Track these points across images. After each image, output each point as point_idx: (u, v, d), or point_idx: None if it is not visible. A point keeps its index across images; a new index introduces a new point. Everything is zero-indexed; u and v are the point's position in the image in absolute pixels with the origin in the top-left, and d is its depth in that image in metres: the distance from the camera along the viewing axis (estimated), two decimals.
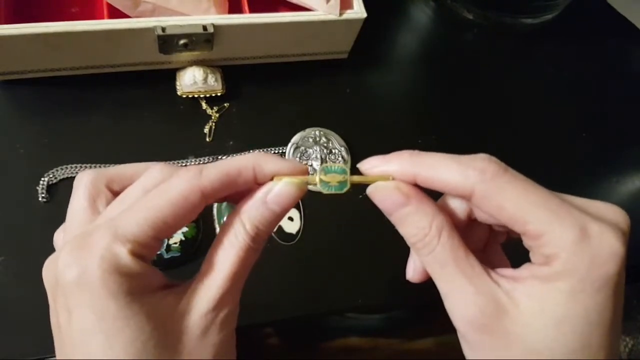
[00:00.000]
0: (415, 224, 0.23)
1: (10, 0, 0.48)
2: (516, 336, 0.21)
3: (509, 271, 0.23)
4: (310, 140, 0.51)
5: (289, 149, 0.51)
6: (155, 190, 0.22)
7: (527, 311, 0.21)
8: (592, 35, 0.67)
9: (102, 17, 0.48)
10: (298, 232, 0.48)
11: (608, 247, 0.21)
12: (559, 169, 0.57)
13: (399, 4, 0.64)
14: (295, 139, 0.51)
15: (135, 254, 0.21)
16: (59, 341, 0.23)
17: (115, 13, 0.47)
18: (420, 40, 0.63)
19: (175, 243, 0.43)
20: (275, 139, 0.51)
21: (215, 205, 0.46)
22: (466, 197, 0.23)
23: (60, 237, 0.26)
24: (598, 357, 0.21)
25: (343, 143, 0.52)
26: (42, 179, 0.45)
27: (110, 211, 0.24)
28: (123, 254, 0.21)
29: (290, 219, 0.48)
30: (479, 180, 0.22)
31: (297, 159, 0.50)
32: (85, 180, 0.25)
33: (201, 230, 0.45)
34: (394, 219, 0.24)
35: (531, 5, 0.61)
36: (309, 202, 0.49)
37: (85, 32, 0.43)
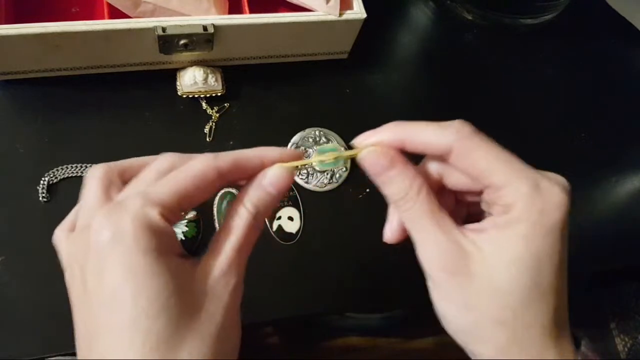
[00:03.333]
0: (399, 184, 0.27)
1: (10, 0, 0.48)
2: (480, 276, 0.25)
3: (473, 225, 0.27)
4: (310, 140, 0.52)
5: (289, 149, 0.51)
6: (178, 169, 0.26)
7: (489, 255, 0.25)
8: (591, 35, 0.67)
9: (102, 18, 0.48)
10: (298, 232, 0.48)
11: (556, 198, 0.25)
12: (559, 169, 0.57)
13: (399, 5, 0.64)
14: (295, 139, 0.51)
15: (163, 216, 0.24)
16: (84, 305, 0.24)
17: (115, 13, 0.47)
18: (419, 40, 0.63)
19: None
20: (275, 139, 0.51)
21: (215, 205, 0.46)
22: (445, 155, 0.26)
23: (61, 235, 0.27)
24: (548, 295, 0.25)
25: (343, 143, 0.52)
26: (43, 178, 0.45)
27: (128, 191, 0.26)
28: (153, 214, 0.24)
29: (290, 218, 0.48)
30: (456, 139, 0.26)
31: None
32: (98, 172, 0.27)
33: (201, 230, 0.45)
34: (381, 180, 0.27)
35: (530, 5, 0.61)
36: (308, 202, 0.49)
37: (85, 32, 0.43)
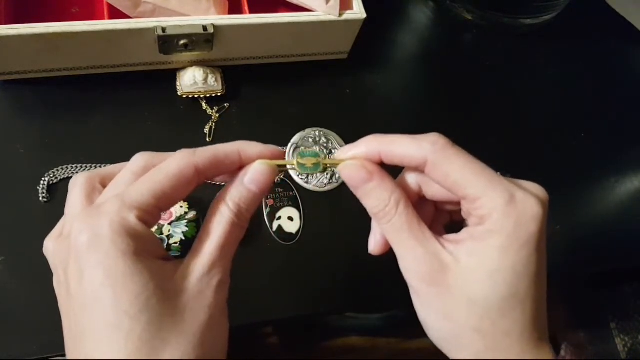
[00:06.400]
0: (377, 197, 0.27)
1: (10, 0, 0.48)
2: (458, 288, 0.25)
3: (451, 236, 0.27)
4: (310, 140, 0.52)
5: (289, 149, 0.51)
6: (156, 167, 0.26)
7: (467, 266, 0.25)
8: (591, 35, 0.67)
9: (102, 18, 0.48)
10: (298, 232, 0.48)
11: (530, 210, 0.25)
12: (558, 169, 0.57)
13: (398, 5, 0.64)
14: (295, 139, 0.51)
15: (141, 218, 0.24)
16: (68, 308, 0.24)
17: (115, 13, 0.47)
18: (419, 40, 0.63)
19: (176, 243, 0.43)
20: (275, 139, 0.51)
21: None
22: (420, 167, 0.26)
23: (48, 243, 0.27)
24: (525, 305, 0.25)
25: (343, 143, 0.52)
26: (43, 178, 0.45)
27: (107, 194, 0.27)
28: (131, 217, 0.24)
29: (290, 218, 0.48)
30: (430, 151, 0.26)
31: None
32: (81, 180, 0.28)
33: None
34: (360, 193, 0.28)
35: (530, 5, 0.61)
36: (308, 202, 0.49)
37: (85, 33, 0.43)
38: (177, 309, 0.24)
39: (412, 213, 0.27)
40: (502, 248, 0.25)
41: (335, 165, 0.28)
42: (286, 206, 0.48)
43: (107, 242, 0.23)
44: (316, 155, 0.29)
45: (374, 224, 0.30)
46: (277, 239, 0.47)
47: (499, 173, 0.26)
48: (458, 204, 0.27)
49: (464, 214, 0.27)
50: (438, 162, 0.26)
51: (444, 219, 0.31)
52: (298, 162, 0.29)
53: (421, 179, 0.29)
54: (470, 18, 0.63)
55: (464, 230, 0.27)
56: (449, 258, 0.26)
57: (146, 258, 0.24)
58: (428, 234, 0.26)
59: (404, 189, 0.29)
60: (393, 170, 0.28)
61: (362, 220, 0.49)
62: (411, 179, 0.29)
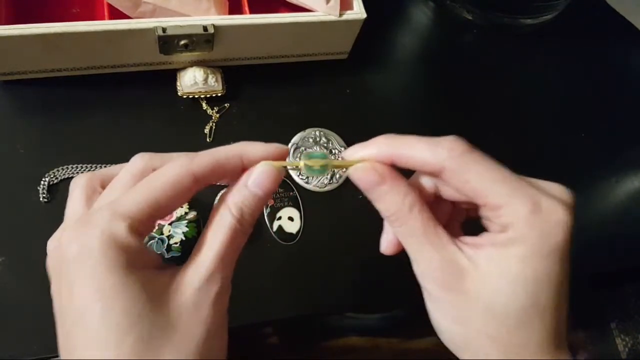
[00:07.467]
0: (390, 201, 0.26)
1: (10, 0, 0.48)
2: (475, 294, 0.24)
3: (470, 239, 0.26)
4: (310, 140, 0.52)
5: (289, 149, 0.51)
6: (152, 174, 0.25)
7: (485, 273, 0.24)
8: (592, 35, 0.67)
9: (102, 18, 0.48)
10: (298, 232, 0.48)
11: (556, 219, 0.24)
12: (559, 169, 0.57)
13: (399, 5, 0.64)
14: (295, 139, 0.51)
15: (133, 229, 0.23)
16: (61, 321, 0.24)
17: (115, 14, 0.47)
18: (420, 40, 0.63)
19: (176, 243, 0.43)
20: (275, 139, 0.50)
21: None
22: (436, 173, 0.25)
23: (50, 246, 0.27)
24: (545, 315, 0.24)
25: (343, 143, 0.52)
26: (43, 179, 0.45)
27: (104, 198, 0.26)
28: (121, 228, 0.22)
29: (291, 219, 0.48)
30: (448, 157, 0.24)
31: (297, 159, 0.50)
32: (81, 182, 0.27)
33: (201, 231, 0.45)
34: (371, 196, 0.26)
35: (530, 5, 0.61)
36: (309, 202, 0.49)
37: (85, 33, 0.43)
38: (169, 323, 0.23)
39: (428, 216, 0.25)
40: (525, 257, 0.23)
41: (345, 167, 0.27)
42: (286, 206, 0.48)
43: (96, 254, 0.22)
44: (324, 157, 0.27)
45: (386, 224, 0.29)
46: (277, 239, 0.47)
47: None
48: (477, 204, 0.26)
49: (484, 218, 0.26)
50: (455, 169, 0.24)
51: (460, 216, 0.30)
52: (305, 164, 0.27)
53: (438, 179, 0.27)
54: (470, 18, 0.63)
55: (485, 235, 0.26)
56: (467, 263, 0.24)
57: (138, 270, 0.23)
58: (445, 238, 0.25)
59: (420, 188, 0.27)
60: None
61: (362, 221, 0.49)
62: (427, 178, 0.28)
